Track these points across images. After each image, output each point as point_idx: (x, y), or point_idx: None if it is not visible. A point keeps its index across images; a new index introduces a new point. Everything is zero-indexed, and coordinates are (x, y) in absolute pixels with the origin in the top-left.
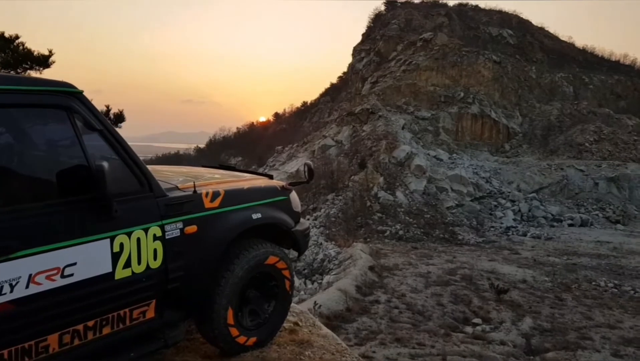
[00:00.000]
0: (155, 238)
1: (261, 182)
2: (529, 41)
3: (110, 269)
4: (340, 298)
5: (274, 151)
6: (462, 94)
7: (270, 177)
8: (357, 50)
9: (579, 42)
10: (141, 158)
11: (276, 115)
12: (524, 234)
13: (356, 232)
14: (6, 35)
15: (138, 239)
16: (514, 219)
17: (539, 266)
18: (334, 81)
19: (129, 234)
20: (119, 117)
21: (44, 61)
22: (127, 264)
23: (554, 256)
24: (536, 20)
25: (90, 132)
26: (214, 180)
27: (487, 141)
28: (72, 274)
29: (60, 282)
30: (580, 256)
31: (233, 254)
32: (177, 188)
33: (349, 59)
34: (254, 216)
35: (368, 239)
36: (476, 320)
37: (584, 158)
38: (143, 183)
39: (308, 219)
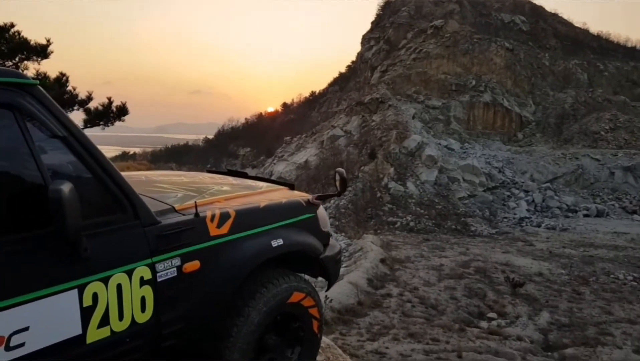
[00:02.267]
0: (142, 281)
1: (281, 195)
2: (542, 27)
3: (79, 331)
4: (351, 292)
5: (283, 142)
6: (473, 82)
7: (292, 186)
8: (366, 39)
9: (594, 28)
10: (152, 149)
11: (284, 105)
12: (538, 225)
13: (366, 223)
14: (0, 23)
15: (119, 287)
16: (528, 210)
17: (555, 259)
18: (343, 70)
19: (105, 281)
20: (122, 110)
21: (41, 51)
22: (104, 321)
23: (570, 248)
24: (549, 6)
25: (50, 140)
26: (222, 195)
27: (500, 130)
28: (22, 344)
29: (4, 357)
30: (597, 247)
31: (247, 295)
32: (173, 210)
33: (358, 48)
34: (274, 243)
35: (378, 231)
36: (491, 315)
37: (599, 147)
38: (125, 208)
39: None
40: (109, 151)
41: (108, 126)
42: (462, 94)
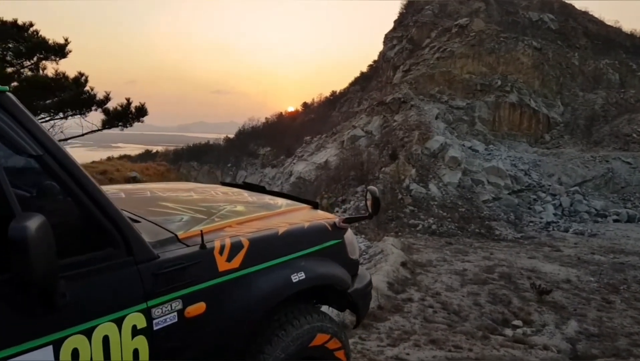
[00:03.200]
0: (135, 331)
1: (303, 216)
2: (571, 26)
3: None
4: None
5: (303, 142)
6: (499, 82)
7: (315, 205)
8: (388, 38)
9: (627, 27)
10: (174, 148)
11: (305, 105)
12: (566, 230)
13: (387, 225)
14: (19, 22)
15: (105, 339)
16: (555, 214)
17: (584, 265)
18: (364, 69)
19: (88, 333)
20: (141, 111)
21: (59, 50)
22: None
23: (599, 254)
24: (579, 4)
25: (20, 159)
26: (234, 217)
27: (526, 131)
28: None
29: None
30: (628, 254)
31: (263, 340)
32: (175, 239)
33: (380, 47)
34: (295, 278)
35: (399, 233)
36: (516, 322)
37: (631, 150)
38: (116, 242)
39: (337, 212)
40: (132, 149)
41: (127, 127)
42: (487, 94)
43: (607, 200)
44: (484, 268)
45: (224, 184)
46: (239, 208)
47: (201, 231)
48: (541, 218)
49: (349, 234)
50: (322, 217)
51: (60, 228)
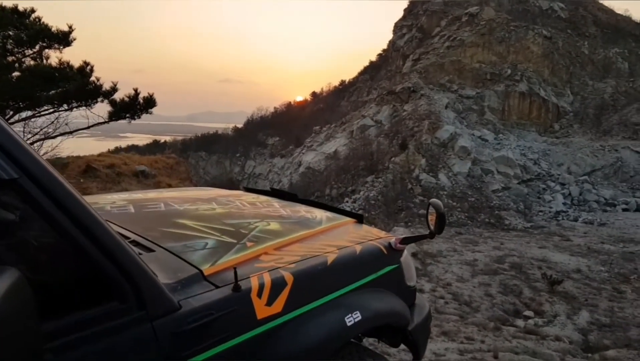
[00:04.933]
0: None
1: (349, 235)
2: (581, 15)
3: None
4: None
5: (312, 131)
6: (509, 71)
7: (360, 219)
8: (398, 26)
9: (636, 15)
10: (182, 138)
11: (314, 94)
12: (575, 220)
13: (397, 216)
14: (20, 8)
15: None
16: (564, 203)
17: (594, 255)
18: (374, 58)
19: None
20: (150, 102)
21: (63, 38)
22: None
23: (609, 244)
24: None
25: None
26: (270, 239)
27: (536, 120)
28: None
29: None
30: (638, 243)
31: None
32: (200, 276)
33: (390, 36)
34: (349, 320)
35: (409, 224)
36: (528, 313)
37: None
38: (122, 291)
39: (347, 202)
40: (140, 140)
41: (134, 119)
42: (497, 84)
43: (616, 189)
44: (494, 258)
45: (247, 190)
46: (273, 225)
47: (234, 268)
48: (550, 208)
49: (406, 257)
50: (373, 236)
51: (43, 279)
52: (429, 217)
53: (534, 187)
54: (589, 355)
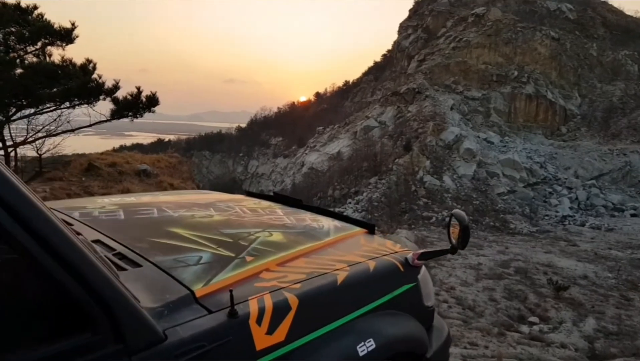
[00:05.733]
0: None
1: (361, 248)
2: (590, 16)
3: None
4: None
5: (315, 132)
6: (515, 73)
7: (371, 229)
8: (403, 27)
9: None
10: (186, 137)
11: (317, 95)
12: (582, 224)
13: (400, 218)
14: (22, 5)
15: None
16: (571, 208)
17: (601, 261)
18: (378, 59)
19: None
20: (152, 100)
21: (66, 35)
22: None
23: (617, 250)
24: None
25: None
26: (272, 253)
27: (542, 123)
28: None
29: None
30: None
31: None
32: (191, 298)
33: (395, 37)
34: (361, 349)
35: (413, 226)
36: (533, 319)
37: None
38: (95, 320)
39: (349, 203)
40: (144, 138)
41: (137, 117)
42: (503, 85)
43: (624, 194)
44: (499, 263)
45: (249, 194)
46: (276, 236)
47: (230, 290)
48: (557, 212)
49: (424, 274)
50: (387, 249)
51: (3, 308)
52: (451, 229)
53: (540, 191)
54: None
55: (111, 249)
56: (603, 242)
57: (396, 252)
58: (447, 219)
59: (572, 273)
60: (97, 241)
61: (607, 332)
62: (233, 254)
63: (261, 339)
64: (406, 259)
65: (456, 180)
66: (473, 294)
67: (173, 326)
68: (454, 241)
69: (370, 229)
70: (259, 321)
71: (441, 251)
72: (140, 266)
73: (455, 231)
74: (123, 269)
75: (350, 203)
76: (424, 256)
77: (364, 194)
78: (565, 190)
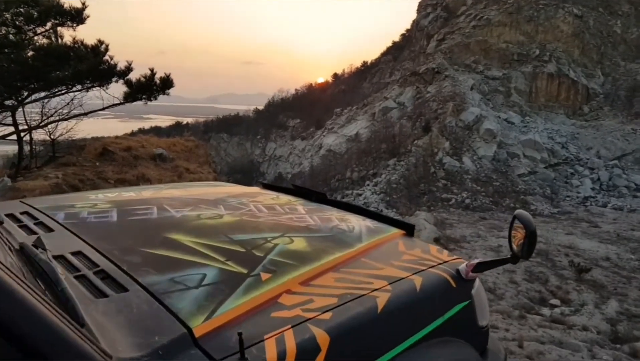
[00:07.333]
0: None
1: (404, 260)
2: None
3: None
4: None
5: (333, 114)
6: (537, 52)
7: (411, 229)
8: (422, 5)
9: None
10: (204, 119)
11: (335, 76)
12: (604, 205)
13: (419, 200)
14: None
15: None
16: (592, 189)
17: (623, 242)
18: (397, 39)
19: None
20: (166, 83)
21: (76, 15)
22: None
23: None
24: None
25: None
26: (295, 267)
27: (564, 102)
28: None
29: None
30: None
31: None
32: (189, 339)
33: (414, 15)
34: None
35: (432, 208)
36: (554, 301)
37: None
38: None
39: (367, 185)
40: (163, 121)
41: (151, 100)
42: (524, 64)
43: None
44: None
45: (266, 186)
46: (298, 242)
47: (240, 337)
48: (578, 193)
49: (478, 289)
50: (433, 258)
51: None
52: (513, 233)
53: (562, 171)
54: (618, 345)
55: (94, 264)
56: (625, 223)
57: (445, 261)
58: (511, 221)
59: (594, 254)
60: (78, 253)
61: (630, 314)
62: (245, 271)
63: None
64: (458, 271)
65: (476, 161)
66: (493, 276)
67: None
68: (515, 248)
69: (409, 230)
70: None
71: (500, 261)
72: (126, 290)
73: (518, 235)
74: (104, 295)
75: (368, 185)
76: (479, 268)
77: (383, 176)
78: (587, 171)
